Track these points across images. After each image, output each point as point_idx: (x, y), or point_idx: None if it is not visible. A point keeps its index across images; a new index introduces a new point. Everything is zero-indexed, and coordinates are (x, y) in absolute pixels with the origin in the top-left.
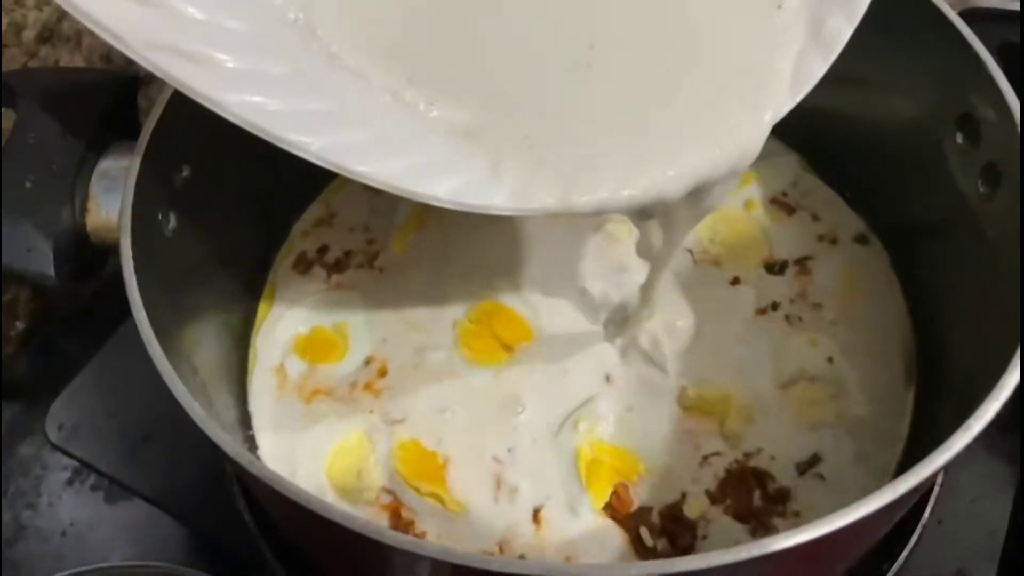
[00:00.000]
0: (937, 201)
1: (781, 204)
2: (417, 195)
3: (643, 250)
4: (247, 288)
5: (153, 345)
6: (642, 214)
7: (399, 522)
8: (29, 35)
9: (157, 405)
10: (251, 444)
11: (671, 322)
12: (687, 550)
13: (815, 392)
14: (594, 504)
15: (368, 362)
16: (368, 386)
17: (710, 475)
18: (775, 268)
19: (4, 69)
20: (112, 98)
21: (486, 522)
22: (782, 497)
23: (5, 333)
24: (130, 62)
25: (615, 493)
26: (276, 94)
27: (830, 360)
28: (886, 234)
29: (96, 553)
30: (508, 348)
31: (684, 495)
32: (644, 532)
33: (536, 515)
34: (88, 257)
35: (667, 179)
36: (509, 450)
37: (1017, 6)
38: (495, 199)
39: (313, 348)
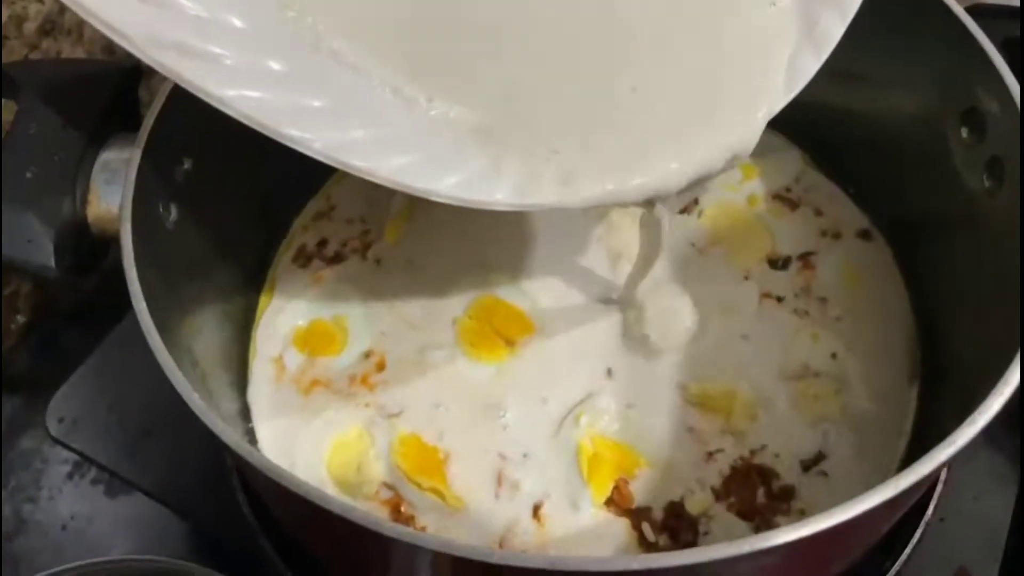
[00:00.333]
0: (941, 196)
1: (784, 199)
2: (418, 191)
3: (647, 222)
4: (248, 281)
5: (153, 336)
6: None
7: (399, 517)
8: (31, 27)
9: (158, 399)
10: (251, 438)
11: (674, 317)
12: (689, 546)
13: (819, 387)
14: (595, 499)
15: (367, 355)
16: (364, 380)
17: (715, 472)
18: (778, 263)
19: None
20: (114, 90)
21: (487, 518)
22: (786, 495)
23: (6, 327)
24: (132, 54)
25: (616, 488)
26: (278, 90)
27: (834, 356)
28: (889, 229)
29: (96, 547)
30: (510, 343)
31: (687, 491)
32: (646, 527)
33: (537, 511)
34: (89, 249)
35: (668, 172)
36: (510, 446)
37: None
38: (496, 195)
39: (312, 341)
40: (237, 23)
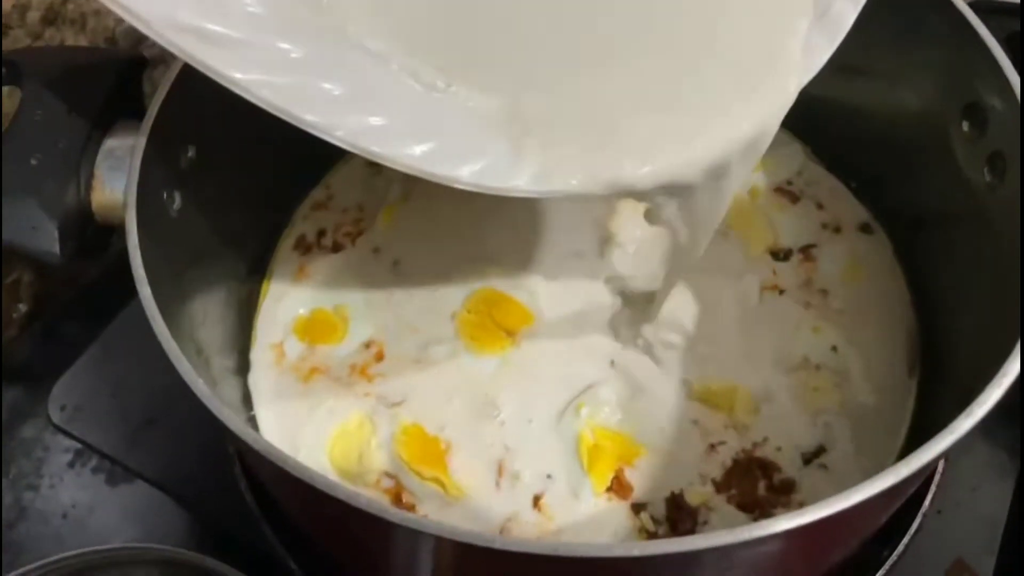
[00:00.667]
0: (942, 190)
1: (785, 192)
2: (439, 177)
3: (652, 216)
4: (251, 268)
5: (158, 322)
6: (665, 199)
7: (400, 506)
8: (34, 16)
9: (160, 387)
10: (253, 425)
11: (675, 310)
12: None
13: (820, 380)
14: (596, 489)
15: (368, 345)
16: (362, 370)
17: (716, 464)
18: (780, 256)
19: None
20: (118, 77)
21: (487, 507)
22: (787, 488)
23: (7, 315)
24: (135, 43)
25: (616, 477)
26: (297, 76)
27: (834, 349)
28: (890, 223)
29: (97, 536)
30: (510, 333)
31: (688, 483)
32: (646, 517)
33: (537, 501)
34: (92, 236)
35: (689, 155)
36: (511, 436)
37: None
38: (517, 181)
39: (313, 329)
40: (256, 9)
